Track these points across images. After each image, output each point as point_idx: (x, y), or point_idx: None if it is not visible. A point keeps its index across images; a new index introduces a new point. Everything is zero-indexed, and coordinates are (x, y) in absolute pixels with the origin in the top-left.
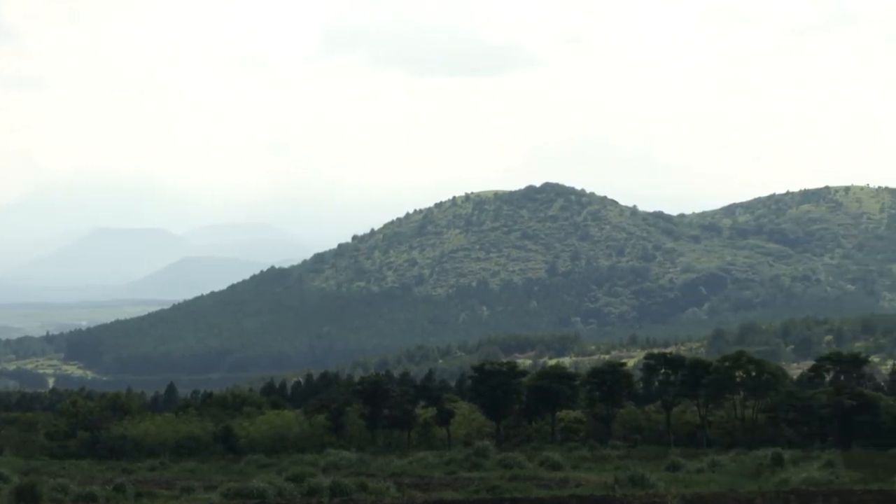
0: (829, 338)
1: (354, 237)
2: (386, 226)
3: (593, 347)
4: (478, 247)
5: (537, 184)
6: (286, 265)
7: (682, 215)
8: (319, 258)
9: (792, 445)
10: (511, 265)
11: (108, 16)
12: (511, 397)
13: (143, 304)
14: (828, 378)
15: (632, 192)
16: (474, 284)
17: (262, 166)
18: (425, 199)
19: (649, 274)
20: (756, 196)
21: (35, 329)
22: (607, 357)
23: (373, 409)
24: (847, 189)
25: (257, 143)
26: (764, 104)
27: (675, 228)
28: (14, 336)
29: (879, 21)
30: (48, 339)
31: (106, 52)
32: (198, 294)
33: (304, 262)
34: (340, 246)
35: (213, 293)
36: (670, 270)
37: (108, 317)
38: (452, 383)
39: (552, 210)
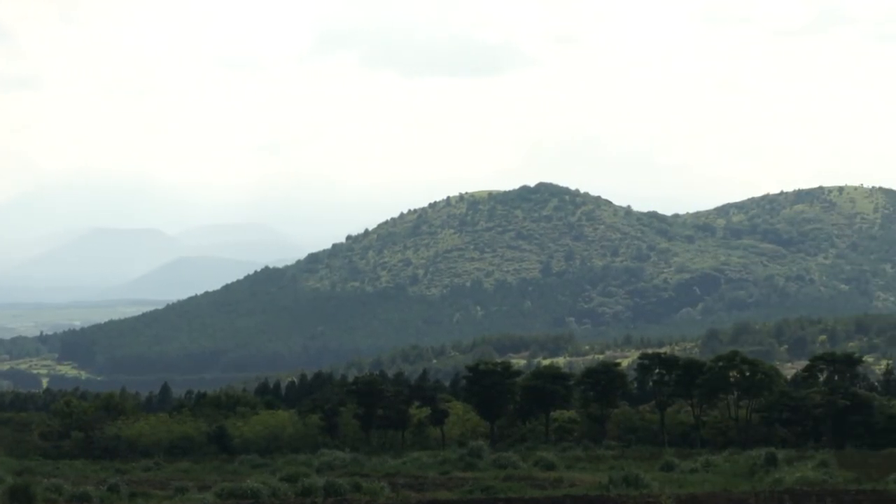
0: (822, 338)
1: (348, 237)
2: (380, 226)
3: (587, 347)
4: (472, 247)
5: (531, 184)
6: (280, 265)
7: (676, 215)
8: (313, 258)
9: (786, 445)
10: (505, 265)
11: (102, 16)
12: (505, 397)
13: (137, 304)
14: (821, 378)
15: (626, 193)
16: (468, 284)
17: (256, 166)
18: (419, 199)
19: (643, 274)
20: (750, 196)
21: (29, 329)
22: (601, 357)
23: (367, 409)
24: (841, 189)
25: (251, 144)
26: (758, 104)
27: (669, 228)
28: (8, 336)
29: (872, 21)
30: (42, 339)
31: (100, 53)
32: (192, 294)
33: (299, 262)
34: (334, 246)
35: (207, 293)
36: (664, 270)
37: (102, 317)
38: (447, 383)
39: (546, 210)
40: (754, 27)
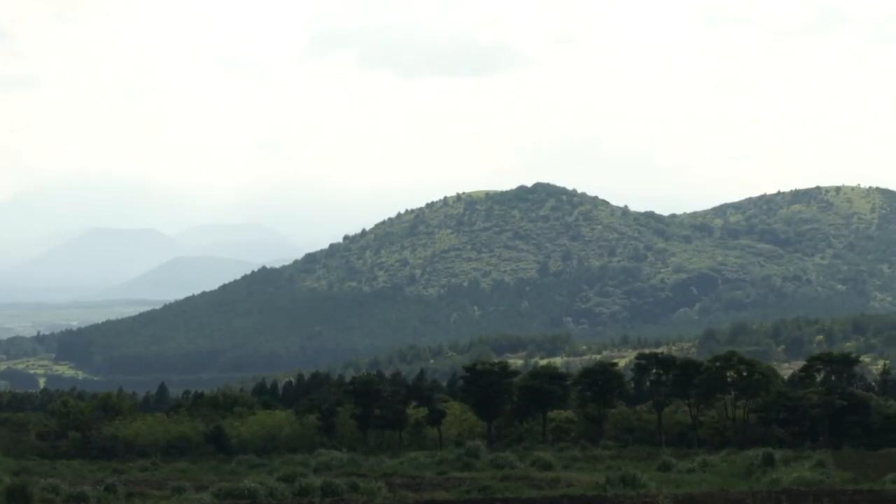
0: (819, 338)
1: (346, 237)
2: (377, 226)
3: (585, 347)
4: (469, 247)
5: (529, 184)
6: (277, 265)
7: (673, 215)
8: (311, 258)
9: (783, 445)
10: (502, 265)
11: (99, 17)
12: (502, 397)
13: (134, 304)
14: (819, 378)
15: (623, 193)
16: (466, 284)
17: (253, 167)
18: (416, 200)
19: (640, 274)
20: (747, 196)
21: (26, 329)
22: (598, 357)
23: (364, 409)
24: (838, 189)
25: (248, 144)
26: (755, 104)
27: (666, 228)
28: (5, 336)
29: (870, 21)
30: (39, 339)
31: (98, 53)
32: (189, 294)
33: (296, 262)
34: (332, 246)
35: (204, 293)
36: (661, 270)
37: (99, 317)
38: (444, 383)
39: (543, 210)
40: (752, 28)
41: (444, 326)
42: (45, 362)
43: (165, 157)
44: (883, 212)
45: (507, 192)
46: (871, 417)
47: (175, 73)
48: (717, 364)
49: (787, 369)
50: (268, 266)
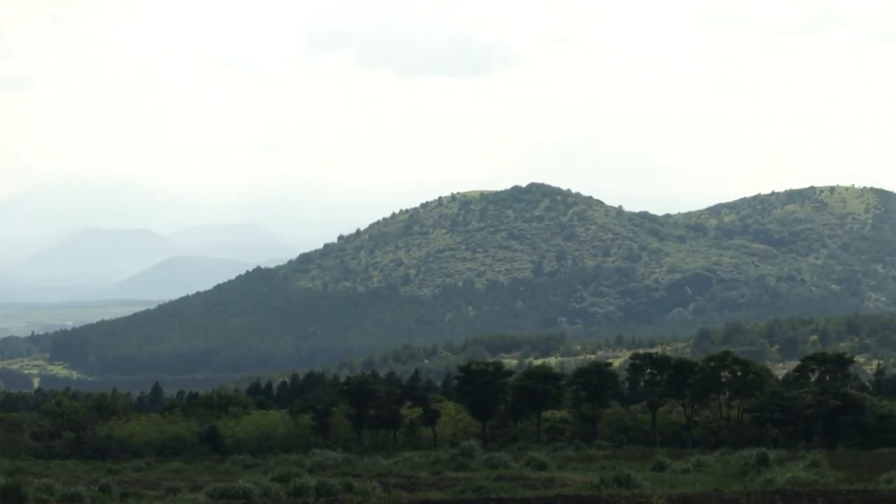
0: (814, 338)
1: (340, 237)
2: (372, 226)
3: (579, 347)
4: (464, 247)
5: (523, 184)
6: (272, 265)
7: (667, 215)
8: (305, 258)
9: (777, 445)
10: (497, 265)
11: (95, 17)
12: (497, 397)
13: (128, 304)
14: (813, 378)
15: (617, 193)
16: (460, 284)
17: (247, 167)
18: (411, 200)
19: (635, 274)
20: (741, 196)
21: (20, 329)
22: (593, 357)
23: (359, 409)
24: (832, 189)
25: (243, 144)
26: (750, 105)
27: (660, 229)
28: None
29: (865, 22)
30: (33, 339)
31: (92, 53)
32: (184, 294)
33: (290, 262)
34: (326, 246)
35: (198, 293)
36: (656, 270)
37: (93, 317)
38: (438, 383)
39: (538, 210)
40: (749, 28)
41: (438, 326)
42: (40, 362)
43: (160, 157)
44: (877, 212)
45: (501, 192)
46: (865, 417)
47: (171, 73)
48: (712, 364)
49: (781, 369)
50: (262, 266)
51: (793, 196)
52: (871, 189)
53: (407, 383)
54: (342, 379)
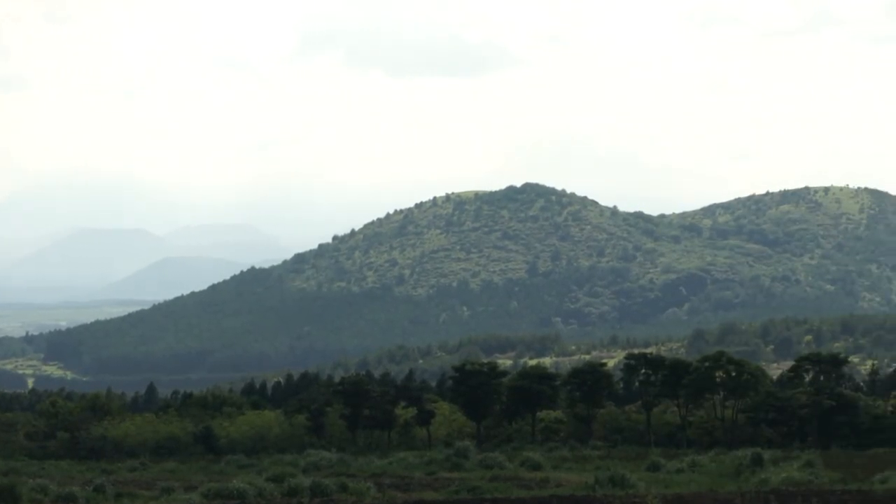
0: (808, 338)
1: (335, 237)
2: (366, 226)
3: (574, 348)
4: (458, 247)
5: (518, 184)
6: (267, 265)
7: (662, 216)
8: (300, 258)
9: (772, 445)
10: (491, 265)
11: (88, 16)
12: (491, 397)
13: (123, 304)
14: (807, 378)
15: (612, 193)
16: (455, 285)
17: (242, 167)
18: (406, 200)
19: (629, 274)
20: (736, 196)
21: (15, 329)
22: (588, 357)
23: (353, 409)
24: (827, 189)
25: (238, 144)
26: (744, 105)
27: (655, 229)
28: None
29: (859, 22)
30: (28, 339)
31: (87, 53)
32: (178, 294)
33: (285, 262)
34: (321, 246)
35: (193, 293)
36: (650, 271)
37: (88, 317)
38: (433, 383)
39: (533, 210)
40: (743, 28)
41: (433, 327)
42: (34, 362)
43: (155, 157)
44: (871, 212)
45: (496, 192)
46: (859, 418)
47: (164, 73)
48: (706, 364)
49: (775, 369)
50: (257, 266)
51: (787, 196)
52: (866, 189)
53: (401, 383)
54: (337, 379)
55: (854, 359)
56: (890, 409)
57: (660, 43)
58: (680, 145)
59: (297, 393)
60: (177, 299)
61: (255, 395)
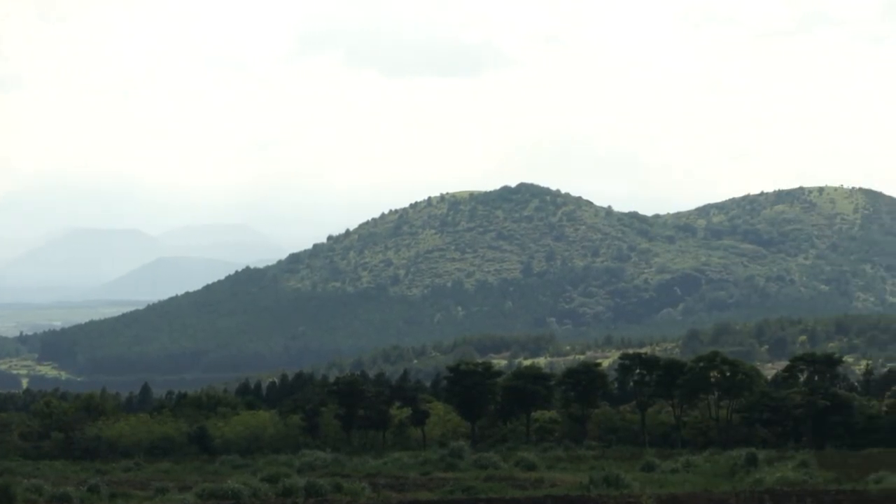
0: (803, 338)
1: (329, 237)
2: (361, 226)
3: (568, 348)
4: (453, 247)
5: (512, 184)
6: (261, 265)
7: (656, 216)
8: (294, 258)
9: (766, 445)
10: (486, 265)
11: (83, 16)
12: (486, 398)
13: (117, 304)
14: (802, 378)
15: (607, 193)
16: (449, 285)
17: (237, 167)
18: (400, 200)
19: (624, 274)
20: (730, 196)
21: (9, 329)
22: (582, 357)
23: (348, 409)
24: (821, 189)
25: (233, 144)
26: (739, 105)
27: (649, 229)
28: None
29: (854, 22)
30: (22, 339)
31: (82, 53)
32: (173, 294)
33: (280, 262)
34: (315, 246)
35: (187, 294)
36: (645, 271)
37: (82, 317)
38: (427, 384)
39: (527, 210)
40: (738, 28)
41: (427, 327)
42: (28, 362)
43: (150, 157)
44: (866, 212)
45: (490, 192)
46: (853, 418)
47: (160, 73)
48: (701, 364)
49: (770, 369)
50: (252, 266)
51: (782, 196)
52: (860, 189)
53: (396, 383)
54: (331, 379)
55: (848, 359)
56: (884, 409)
57: (656, 43)
58: (675, 145)
59: (292, 393)
60: (171, 299)
61: (250, 396)
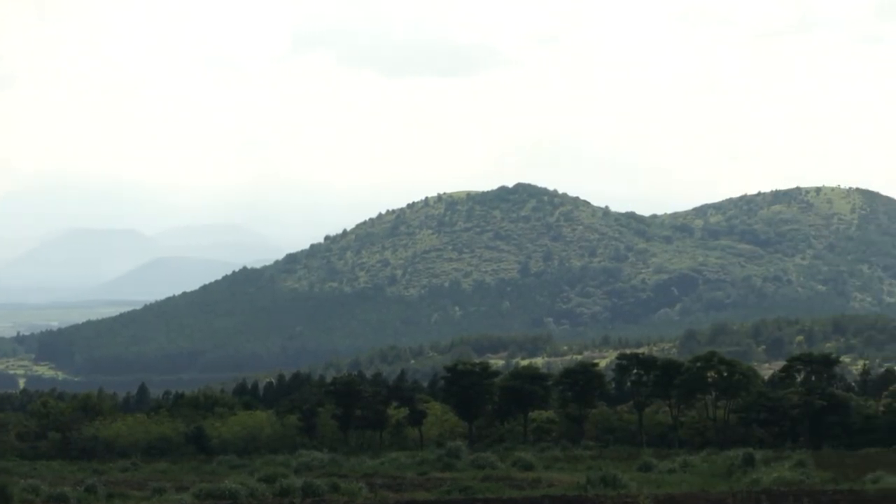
0: (800, 338)
1: (327, 237)
2: (358, 226)
3: (566, 348)
4: (450, 247)
5: (510, 184)
6: (258, 266)
7: (654, 216)
8: (292, 258)
9: (763, 445)
10: (483, 266)
11: (78, 16)
12: (483, 398)
13: (114, 304)
14: (799, 378)
15: (604, 193)
16: (447, 285)
17: (234, 167)
18: (398, 200)
19: (621, 274)
20: (728, 197)
21: (6, 329)
22: (580, 357)
23: (345, 409)
24: (818, 190)
25: (229, 144)
26: (736, 105)
27: (647, 229)
28: None
29: (850, 23)
30: (19, 339)
31: (77, 53)
32: (170, 295)
33: (277, 262)
34: (312, 246)
35: (184, 294)
36: (642, 271)
37: (79, 317)
38: (425, 384)
39: (524, 210)
40: (735, 29)
41: (424, 327)
42: (25, 363)
43: (147, 157)
44: (863, 212)
45: (488, 192)
46: (850, 418)
47: (156, 73)
48: (698, 364)
49: (767, 370)
50: (249, 266)
51: (779, 196)
52: (857, 189)
53: (393, 384)
54: (328, 379)
55: (845, 359)
56: (881, 409)
57: (653, 44)
58: (672, 146)
59: (289, 393)
60: (168, 299)
61: (247, 396)
